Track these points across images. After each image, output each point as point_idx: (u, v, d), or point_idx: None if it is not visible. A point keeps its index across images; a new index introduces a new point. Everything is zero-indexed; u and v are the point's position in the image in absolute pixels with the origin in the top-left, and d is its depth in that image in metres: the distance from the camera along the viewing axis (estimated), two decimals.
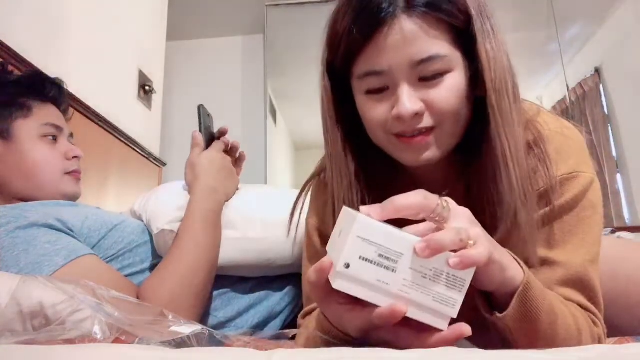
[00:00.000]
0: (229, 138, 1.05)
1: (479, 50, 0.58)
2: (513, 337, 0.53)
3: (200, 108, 1.02)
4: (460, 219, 0.48)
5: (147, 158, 2.27)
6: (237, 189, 1.03)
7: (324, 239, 0.75)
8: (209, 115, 1.04)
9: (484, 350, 0.42)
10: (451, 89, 0.58)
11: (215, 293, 0.94)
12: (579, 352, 0.40)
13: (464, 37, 0.59)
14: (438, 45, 0.57)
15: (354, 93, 0.64)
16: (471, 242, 0.46)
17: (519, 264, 0.52)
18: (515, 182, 0.58)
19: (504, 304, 0.52)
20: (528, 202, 0.59)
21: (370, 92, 0.61)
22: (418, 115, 0.59)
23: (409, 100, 0.58)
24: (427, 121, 0.60)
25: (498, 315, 0.52)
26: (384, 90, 0.60)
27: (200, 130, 1.01)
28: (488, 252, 0.46)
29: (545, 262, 0.61)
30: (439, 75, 0.58)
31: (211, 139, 1.03)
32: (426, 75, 0.58)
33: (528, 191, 0.59)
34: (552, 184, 0.62)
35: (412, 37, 0.57)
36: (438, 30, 0.57)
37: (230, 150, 1.06)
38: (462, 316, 0.71)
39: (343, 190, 0.66)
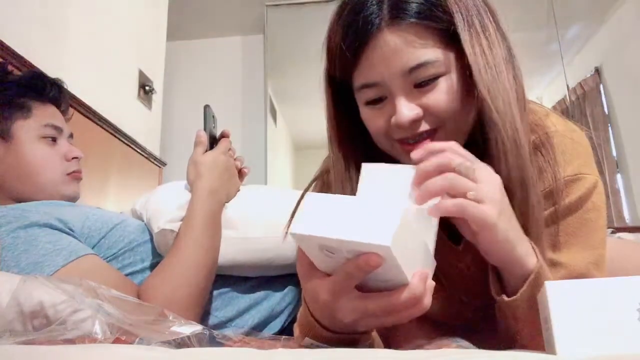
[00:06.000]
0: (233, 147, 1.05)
1: (464, 47, 0.58)
2: (517, 326, 0.53)
3: (206, 108, 1.02)
4: (486, 184, 0.51)
5: (147, 158, 2.27)
6: (238, 191, 1.03)
7: None
8: (213, 116, 1.03)
9: (484, 351, 0.42)
10: (447, 91, 0.59)
11: (215, 293, 0.94)
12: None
13: (456, 36, 0.59)
14: (427, 52, 0.57)
15: (357, 102, 0.65)
16: (471, 194, 0.49)
17: (534, 251, 0.54)
18: (520, 181, 0.57)
19: (514, 289, 0.52)
20: (532, 200, 0.58)
21: (369, 102, 0.62)
22: (417, 121, 0.59)
23: (405, 108, 0.58)
24: (426, 125, 0.60)
25: (505, 298, 0.53)
26: (382, 100, 0.61)
27: (205, 130, 1.01)
28: (483, 215, 0.49)
29: (549, 264, 0.61)
30: (433, 79, 0.58)
31: (213, 140, 1.02)
32: (420, 81, 0.58)
33: (532, 190, 0.58)
34: (557, 185, 0.62)
35: (399, 48, 0.57)
36: (426, 36, 0.57)
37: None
38: (462, 317, 0.71)
39: None
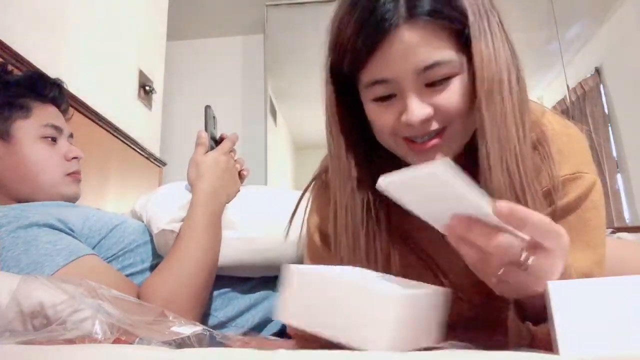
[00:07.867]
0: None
1: (474, 54, 0.58)
2: (539, 342, 0.53)
3: (207, 109, 1.02)
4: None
5: (147, 158, 2.27)
6: (238, 191, 1.03)
7: (325, 237, 0.75)
8: (214, 117, 1.03)
9: (485, 351, 0.42)
10: (458, 91, 0.58)
11: (215, 293, 0.93)
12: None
13: (468, 37, 0.58)
14: (442, 51, 0.57)
15: (362, 99, 0.64)
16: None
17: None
18: (502, 186, 0.57)
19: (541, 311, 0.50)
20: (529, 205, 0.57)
21: (377, 99, 0.61)
22: (427, 120, 0.59)
23: (417, 107, 0.58)
24: (436, 124, 0.60)
25: (533, 327, 0.52)
26: (391, 97, 0.60)
27: (206, 131, 1.01)
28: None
29: None
30: (445, 79, 0.58)
31: (213, 141, 1.02)
32: (432, 80, 0.58)
33: (529, 194, 0.58)
34: (554, 184, 0.62)
35: (415, 46, 0.57)
36: (441, 36, 0.57)
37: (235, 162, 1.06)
38: (461, 315, 0.71)
39: (346, 196, 0.66)
